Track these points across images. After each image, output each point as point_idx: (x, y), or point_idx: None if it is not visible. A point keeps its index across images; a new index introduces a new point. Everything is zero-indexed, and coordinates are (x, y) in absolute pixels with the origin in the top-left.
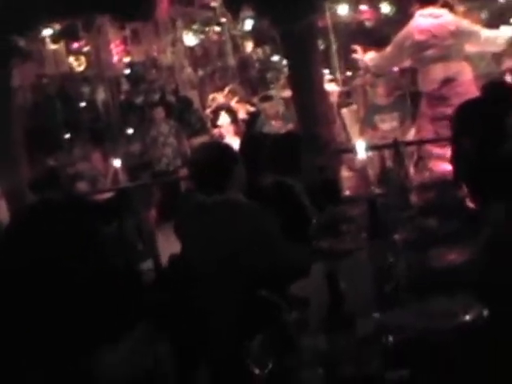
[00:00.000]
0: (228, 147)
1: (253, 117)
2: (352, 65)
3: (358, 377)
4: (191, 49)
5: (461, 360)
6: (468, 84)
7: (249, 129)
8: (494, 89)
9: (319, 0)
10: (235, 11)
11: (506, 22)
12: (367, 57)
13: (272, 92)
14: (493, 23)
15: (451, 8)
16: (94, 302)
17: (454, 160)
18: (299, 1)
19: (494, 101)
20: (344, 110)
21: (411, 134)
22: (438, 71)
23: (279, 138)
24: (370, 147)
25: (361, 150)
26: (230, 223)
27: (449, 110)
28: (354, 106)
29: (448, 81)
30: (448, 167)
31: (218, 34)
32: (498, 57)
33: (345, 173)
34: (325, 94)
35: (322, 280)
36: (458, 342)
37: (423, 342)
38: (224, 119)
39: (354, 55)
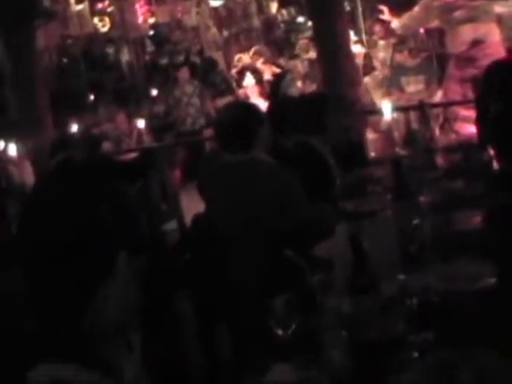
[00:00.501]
0: (253, 107)
1: (278, 78)
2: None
3: (382, 339)
4: (216, 9)
5: (484, 323)
6: (497, 45)
7: (274, 90)
8: None
9: None
10: None
11: None
12: (394, 23)
13: (297, 52)
14: None
15: None
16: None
17: (479, 122)
18: None
19: None
20: (366, 78)
21: (437, 96)
22: (467, 32)
23: (306, 98)
24: (396, 108)
25: (387, 110)
26: (254, 182)
27: (478, 72)
28: (378, 72)
29: (477, 42)
30: (474, 130)
31: None
32: None
33: (370, 134)
34: (350, 56)
35: (345, 241)
36: (482, 304)
37: (446, 304)
38: (249, 80)
39: (381, 16)
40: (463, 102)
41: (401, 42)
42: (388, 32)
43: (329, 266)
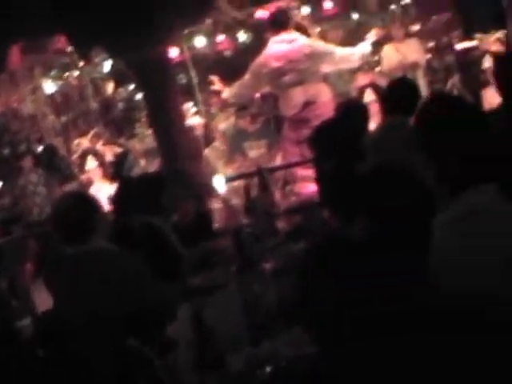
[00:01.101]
0: (87, 196)
1: (120, 159)
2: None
3: None
4: (52, 96)
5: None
6: (328, 105)
7: (117, 171)
8: (347, 109)
9: (170, 34)
10: (86, 54)
11: (362, 39)
12: (225, 93)
13: (138, 130)
14: (349, 41)
15: (305, 30)
16: None
17: (317, 182)
18: (148, 39)
19: (347, 121)
20: (207, 150)
21: (278, 160)
22: (298, 95)
23: (143, 179)
24: (235, 177)
25: (220, 184)
26: (97, 273)
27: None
28: (219, 142)
29: (308, 104)
30: (314, 188)
31: (78, 78)
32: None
33: (216, 204)
34: (185, 129)
35: (188, 320)
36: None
37: (295, 370)
38: (91, 163)
39: (212, 87)
40: (301, 163)
41: (242, 108)
42: (224, 101)
43: (174, 347)
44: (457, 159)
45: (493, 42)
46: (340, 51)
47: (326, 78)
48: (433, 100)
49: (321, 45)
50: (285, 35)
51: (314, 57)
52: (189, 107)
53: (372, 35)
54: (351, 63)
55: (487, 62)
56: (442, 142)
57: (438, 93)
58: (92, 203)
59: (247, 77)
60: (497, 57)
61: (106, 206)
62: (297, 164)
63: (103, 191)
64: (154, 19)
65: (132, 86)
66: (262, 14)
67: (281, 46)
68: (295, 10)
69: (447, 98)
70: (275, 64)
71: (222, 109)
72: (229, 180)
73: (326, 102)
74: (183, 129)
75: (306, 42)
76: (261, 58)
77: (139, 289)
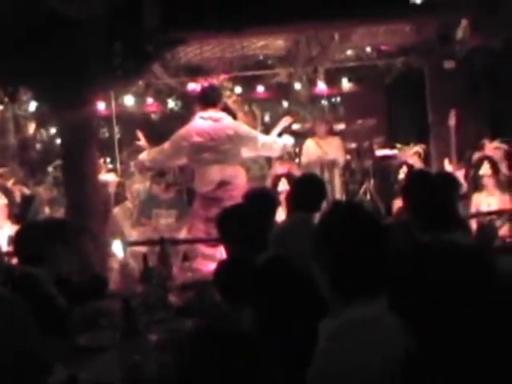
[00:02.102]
0: None
1: (26, 202)
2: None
3: None
4: None
5: None
6: (242, 187)
7: (22, 214)
8: (255, 197)
9: (100, 92)
10: (11, 94)
11: (286, 127)
12: (142, 155)
13: (50, 176)
14: (272, 125)
15: (232, 113)
16: None
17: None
18: (74, 90)
19: (254, 209)
20: (117, 208)
21: (184, 233)
22: (214, 173)
23: (24, 228)
24: (137, 243)
25: (118, 249)
26: None
27: None
28: (129, 202)
29: (223, 183)
30: (213, 267)
31: (1, 112)
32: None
33: (115, 265)
34: (98, 183)
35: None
36: None
37: None
38: (0, 200)
39: (137, 142)
40: (205, 240)
41: (159, 174)
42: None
43: None
44: (350, 269)
45: (412, 154)
46: (263, 139)
47: (242, 161)
48: (336, 208)
49: (245, 129)
50: (212, 112)
51: (237, 139)
52: (106, 162)
53: (283, 122)
54: (272, 152)
55: (403, 173)
56: (337, 250)
57: (345, 201)
58: None
59: (167, 145)
60: (411, 171)
61: (4, 247)
62: (201, 241)
63: (4, 232)
64: (86, 75)
65: (54, 130)
66: (194, 86)
67: (206, 122)
68: (228, 88)
69: (350, 208)
70: (197, 139)
71: (140, 170)
72: (130, 244)
73: (240, 184)
74: (95, 183)
75: (232, 123)
76: (184, 130)
77: (23, 339)
